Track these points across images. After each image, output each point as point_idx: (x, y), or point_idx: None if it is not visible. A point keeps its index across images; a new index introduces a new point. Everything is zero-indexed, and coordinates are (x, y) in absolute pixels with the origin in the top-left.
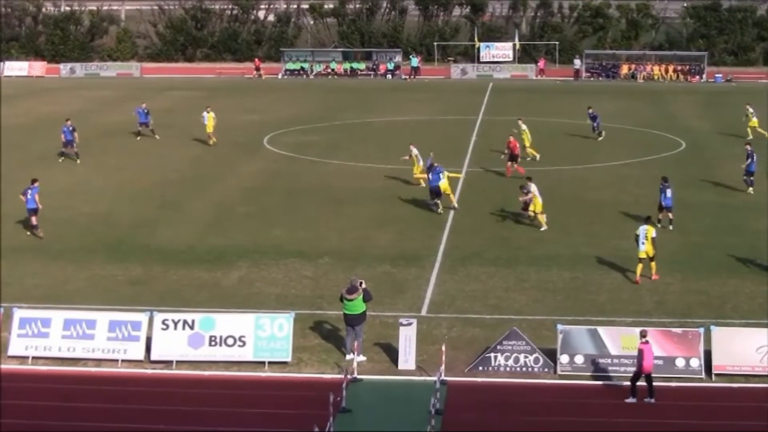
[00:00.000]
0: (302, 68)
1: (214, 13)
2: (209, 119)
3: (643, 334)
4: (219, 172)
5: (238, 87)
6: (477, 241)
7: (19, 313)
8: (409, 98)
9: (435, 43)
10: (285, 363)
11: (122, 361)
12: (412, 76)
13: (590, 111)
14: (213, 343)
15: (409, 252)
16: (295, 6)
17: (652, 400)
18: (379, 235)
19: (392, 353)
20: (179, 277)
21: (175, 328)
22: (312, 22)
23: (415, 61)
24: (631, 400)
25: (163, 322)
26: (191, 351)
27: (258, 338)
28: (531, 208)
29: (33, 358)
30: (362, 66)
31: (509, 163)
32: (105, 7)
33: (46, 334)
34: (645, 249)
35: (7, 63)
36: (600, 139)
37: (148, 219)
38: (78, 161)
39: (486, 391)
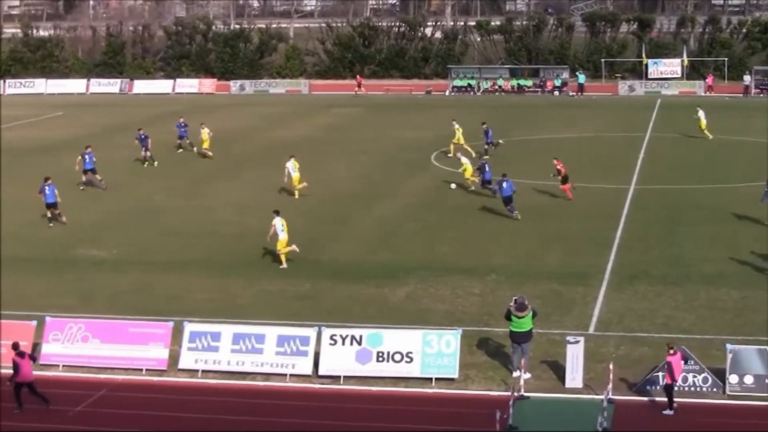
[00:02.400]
0: (469, 85)
1: (382, 31)
2: (204, 134)
3: (670, 347)
4: (387, 188)
5: (406, 104)
6: (645, 259)
7: (189, 327)
8: (576, 115)
9: (602, 60)
10: (452, 379)
11: (290, 375)
12: (578, 93)
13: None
14: (380, 358)
15: (577, 269)
16: (462, 23)
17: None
18: (546, 252)
19: (559, 371)
20: (348, 293)
21: (343, 343)
22: (479, 39)
23: (582, 77)
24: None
25: (331, 338)
26: (359, 366)
27: (425, 354)
28: None
29: (203, 371)
30: (529, 83)
31: (567, 185)
32: (274, 25)
33: (216, 348)
34: None
35: (178, 80)
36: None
37: (317, 234)
38: (155, 164)
39: (654, 411)
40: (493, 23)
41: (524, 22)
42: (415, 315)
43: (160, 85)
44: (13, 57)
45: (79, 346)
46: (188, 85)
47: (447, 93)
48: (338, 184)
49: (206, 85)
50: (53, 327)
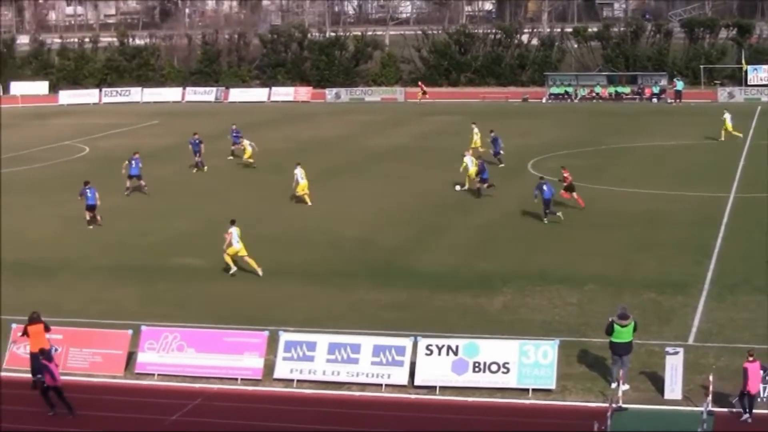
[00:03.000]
0: (566, 92)
1: (478, 38)
2: (245, 145)
3: (750, 353)
4: (483, 197)
5: (502, 111)
6: (746, 268)
7: (284, 337)
8: (674, 122)
9: (701, 66)
10: (549, 390)
11: (386, 385)
12: (677, 100)
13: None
14: (477, 369)
15: (675, 279)
16: (559, 29)
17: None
18: (644, 260)
19: (658, 382)
20: (443, 302)
21: (439, 353)
22: (576, 46)
23: (680, 84)
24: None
25: (427, 348)
26: (455, 377)
27: (522, 365)
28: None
29: (298, 381)
30: (627, 90)
31: (570, 194)
32: (369, 33)
33: (311, 357)
34: None
35: (274, 88)
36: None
37: (412, 243)
38: (205, 169)
39: (755, 423)
40: (590, 30)
41: (622, 29)
42: (511, 325)
43: (256, 94)
44: (109, 66)
45: (175, 355)
46: (284, 93)
47: (544, 100)
48: (434, 192)
49: (302, 93)
50: (149, 336)
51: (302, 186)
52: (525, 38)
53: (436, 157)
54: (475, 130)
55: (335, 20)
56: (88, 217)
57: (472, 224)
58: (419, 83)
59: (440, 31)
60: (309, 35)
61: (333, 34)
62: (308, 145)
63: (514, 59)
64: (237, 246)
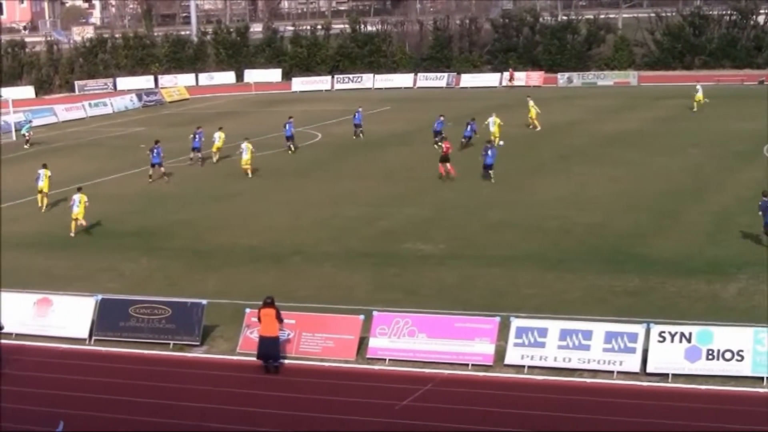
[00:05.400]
0: None
1: (712, 19)
2: (220, 138)
3: None
4: (717, 181)
5: (737, 95)
6: None
7: (516, 323)
8: None
9: None
10: None
11: (617, 372)
12: None
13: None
14: (710, 356)
15: None
16: None
17: None
18: None
19: None
20: (677, 289)
21: (672, 340)
22: None
23: None
24: None
25: (660, 334)
26: (688, 364)
27: (756, 353)
28: None
29: (528, 367)
30: None
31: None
32: (602, 16)
33: (543, 343)
34: None
35: (505, 73)
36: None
37: (645, 229)
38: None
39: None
40: None
41: None
42: (745, 312)
43: (487, 79)
44: (341, 53)
45: (406, 341)
46: (516, 78)
47: None
48: (667, 177)
49: (533, 78)
50: (380, 321)
51: (245, 160)
52: (761, 19)
53: (669, 143)
54: (531, 103)
55: (567, 4)
56: (150, 172)
57: (707, 210)
58: (510, 70)
59: (674, 13)
60: (541, 19)
61: (565, 17)
62: (541, 131)
63: (750, 41)
64: (75, 210)
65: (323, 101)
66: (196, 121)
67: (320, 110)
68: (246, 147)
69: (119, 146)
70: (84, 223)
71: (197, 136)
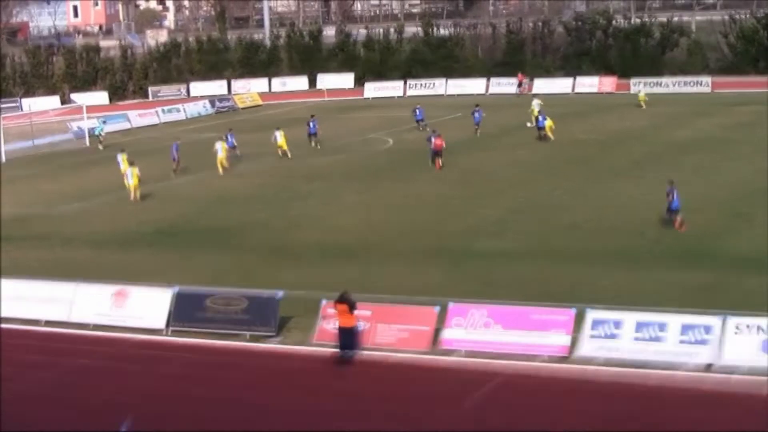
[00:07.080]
0: None
1: None
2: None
3: None
4: None
5: None
6: None
7: (591, 315)
8: None
9: None
10: None
11: (692, 364)
12: None
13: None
14: None
15: None
16: None
17: None
18: None
19: None
20: (752, 285)
21: (748, 332)
22: None
23: None
24: None
25: (736, 327)
26: (764, 356)
27: None
28: None
29: (603, 359)
30: None
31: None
32: (675, 18)
33: (618, 335)
34: None
35: (578, 79)
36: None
37: (720, 229)
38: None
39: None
40: None
41: None
42: None
43: (560, 85)
44: (414, 57)
45: (481, 332)
46: (588, 84)
47: None
48: (743, 182)
49: (606, 83)
50: (456, 312)
51: (220, 158)
52: None
53: (743, 149)
54: (534, 102)
55: (640, 6)
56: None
57: None
58: (519, 74)
59: (748, 16)
60: (614, 22)
61: (638, 20)
62: (614, 137)
63: None
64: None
65: (395, 107)
66: (272, 126)
67: (392, 116)
68: (279, 134)
69: (192, 153)
70: (137, 195)
71: (311, 124)
